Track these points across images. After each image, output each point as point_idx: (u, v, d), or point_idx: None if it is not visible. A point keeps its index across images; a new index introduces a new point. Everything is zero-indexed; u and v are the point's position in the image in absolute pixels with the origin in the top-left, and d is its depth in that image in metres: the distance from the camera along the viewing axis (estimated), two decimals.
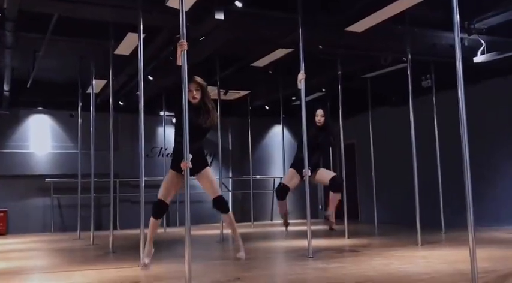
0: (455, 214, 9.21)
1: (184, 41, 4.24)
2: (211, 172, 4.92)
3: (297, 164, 6.60)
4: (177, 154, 4.66)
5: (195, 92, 4.63)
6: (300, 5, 6.48)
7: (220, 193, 4.84)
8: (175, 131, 4.76)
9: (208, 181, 4.82)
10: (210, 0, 6.74)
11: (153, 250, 4.74)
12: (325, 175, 6.54)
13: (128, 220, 12.32)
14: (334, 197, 6.52)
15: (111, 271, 5.48)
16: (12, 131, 13.45)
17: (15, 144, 13.39)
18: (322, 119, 6.57)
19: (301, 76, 6.45)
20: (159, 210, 4.72)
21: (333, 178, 6.46)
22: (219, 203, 4.81)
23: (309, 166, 6.37)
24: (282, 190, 6.63)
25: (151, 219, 4.73)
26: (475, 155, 9.12)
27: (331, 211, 6.53)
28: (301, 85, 6.46)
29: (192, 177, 4.64)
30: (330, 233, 9.82)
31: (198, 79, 4.70)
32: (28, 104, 13.35)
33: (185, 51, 4.21)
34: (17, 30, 8.06)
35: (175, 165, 4.66)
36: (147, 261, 4.61)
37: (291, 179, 6.63)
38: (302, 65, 6.45)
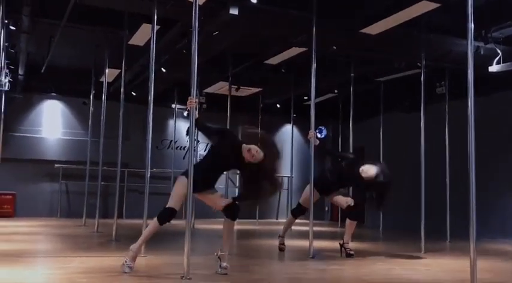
0: (461, 224, 9.12)
1: (194, 99, 4.35)
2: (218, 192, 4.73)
3: (321, 185, 6.38)
4: (200, 178, 4.44)
5: (254, 154, 4.38)
6: (315, 5, 6.45)
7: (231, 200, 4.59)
8: (208, 157, 4.61)
9: (215, 194, 4.62)
10: None
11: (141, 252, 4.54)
12: (343, 200, 6.38)
13: (135, 210, 12.36)
14: (351, 225, 6.38)
15: (111, 259, 5.50)
16: (25, 115, 13.57)
17: (27, 129, 13.51)
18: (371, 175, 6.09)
19: (310, 135, 6.34)
20: (168, 218, 4.48)
21: (349, 207, 6.31)
22: (235, 208, 4.55)
23: (333, 188, 6.35)
24: (300, 211, 6.54)
25: (157, 223, 4.48)
26: (484, 166, 9.04)
27: (347, 240, 6.33)
28: (311, 140, 6.34)
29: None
30: (334, 235, 9.81)
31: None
32: (42, 89, 13.46)
33: (193, 108, 4.34)
34: (34, 15, 8.12)
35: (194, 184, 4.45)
36: (132, 264, 4.45)
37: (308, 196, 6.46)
38: (314, 65, 6.42)
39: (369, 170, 6.01)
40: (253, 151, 4.36)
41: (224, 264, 4.56)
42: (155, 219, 4.53)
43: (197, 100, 4.59)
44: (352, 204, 6.28)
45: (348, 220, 6.40)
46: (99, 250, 6.53)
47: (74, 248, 6.66)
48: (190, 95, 4.42)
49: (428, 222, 7.32)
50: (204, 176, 4.49)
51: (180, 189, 4.48)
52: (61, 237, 8.37)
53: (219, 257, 4.60)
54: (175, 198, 4.49)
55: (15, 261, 5.18)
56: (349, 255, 6.21)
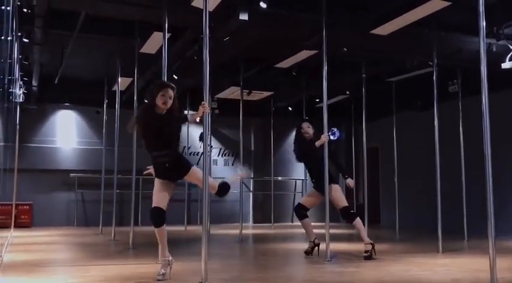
0: (478, 222, 9.05)
1: (207, 103, 4.36)
2: (199, 170, 4.60)
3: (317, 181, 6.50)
4: (155, 165, 4.57)
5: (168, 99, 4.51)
6: (324, 7, 6.45)
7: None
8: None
9: (198, 179, 4.59)
10: (234, 0, 6.77)
11: (169, 258, 4.55)
12: (337, 200, 6.39)
13: None
14: (356, 225, 6.34)
15: (130, 267, 5.55)
16: (40, 126, 13.72)
17: (41, 139, 13.65)
18: (310, 130, 6.53)
19: (324, 138, 6.32)
20: (158, 217, 4.45)
21: (341, 210, 6.38)
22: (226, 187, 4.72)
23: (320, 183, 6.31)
24: (296, 209, 6.62)
25: (155, 229, 4.50)
26: (500, 163, 8.96)
27: (367, 241, 6.23)
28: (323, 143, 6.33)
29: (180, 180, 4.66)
30: (350, 237, 9.77)
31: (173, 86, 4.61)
32: (55, 99, 13.60)
33: (206, 113, 4.37)
34: (46, 27, 8.23)
35: (158, 174, 4.56)
36: (163, 271, 4.47)
37: (308, 197, 6.63)
38: (325, 67, 6.42)
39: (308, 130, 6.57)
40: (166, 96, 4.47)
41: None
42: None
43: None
44: (345, 206, 6.36)
45: (353, 223, 6.39)
46: (118, 258, 6.57)
47: (92, 257, 6.71)
48: (202, 101, 4.45)
49: (445, 221, 7.27)
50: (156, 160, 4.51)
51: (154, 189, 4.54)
52: (79, 245, 8.44)
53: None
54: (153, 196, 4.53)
55: (35, 271, 5.23)
56: (369, 255, 6.13)
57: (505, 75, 8.75)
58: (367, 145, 10.20)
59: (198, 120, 4.61)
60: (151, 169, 4.64)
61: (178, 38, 8.38)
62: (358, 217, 6.40)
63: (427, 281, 4.63)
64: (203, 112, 4.39)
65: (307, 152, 6.56)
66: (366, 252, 6.17)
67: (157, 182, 4.57)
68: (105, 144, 11.09)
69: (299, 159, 6.78)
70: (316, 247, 6.53)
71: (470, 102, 9.83)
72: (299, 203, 6.66)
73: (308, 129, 6.55)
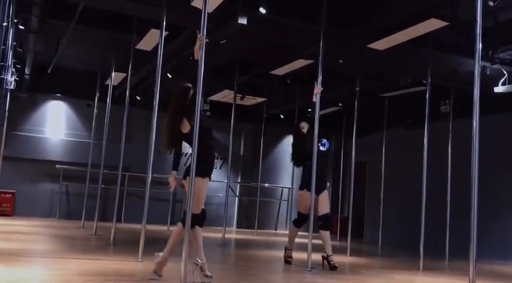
0: (461, 244, 9.09)
1: (204, 36, 4.36)
2: None
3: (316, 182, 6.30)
4: (212, 160, 4.83)
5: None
6: (323, 18, 6.47)
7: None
8: (205, 136, 4.54)
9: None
10: (234, 4, 6.77)
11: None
12: (320, 207, 6.40)
13: (133, 214, 12.33)
14: (325, 236, 6.41)
15: (109, 263, 5.49)
16: (29, 115, 13.60)
17: (30, 128, 13.54)
18: (305, 128, 6.70)
19: (317, 90, 6.35)
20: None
21: (322, 216, 6.41)
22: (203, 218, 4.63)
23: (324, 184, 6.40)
24: (303, 220, 6.55)
25: (199, 229, 4.54)
26: (486, 186, 9.02)
27: (330, 252, 6.31)
28: (316, 98, 6.38)
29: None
30: (333, 248, 9.76)
31: None
32: (47, 89, 13.51)
33: (203, 52, 4.29)
34: (43, 16, 8.17)
35: (210, 172, 4.71)
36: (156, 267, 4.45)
37: (304, 204, 6.51)
38: (320, 77, 6.43)
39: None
40: None
41: (207, 272, 4.46)
42: (191, 226, 4.39)
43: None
44: (328, 213, 6.48)
45: (321, 232, 6.43)
46: (97, 253, 6.50)
47: (71, 250, 6.64)
48: (194, 103, 4.38)
49: (428, 239, 7.29)
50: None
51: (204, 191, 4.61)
52: (59, 238, 8.36)
53: (200, 267, 4.46)
54: (202, 200, 4.60)
55: (13, 260, 5.17)
56: (333, 268, 6.15)
57: (497, 99, 8.82)
58: (355, 159, 10.21)
59: (197, 57, 4.48)
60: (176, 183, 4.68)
61: (176, 37, 8.35)
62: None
63: None
64: (200, 44, 4.38)
65: (306, 148, 6.48)
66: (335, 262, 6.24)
67: (206, 183, 4.62)
68: (94, 138, 11.00)
69: (299, 161, 6.70)
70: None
71: (461, 123, 9.88)
72: (308, 215, 6.36)
73: (304, 128, 6.71)
